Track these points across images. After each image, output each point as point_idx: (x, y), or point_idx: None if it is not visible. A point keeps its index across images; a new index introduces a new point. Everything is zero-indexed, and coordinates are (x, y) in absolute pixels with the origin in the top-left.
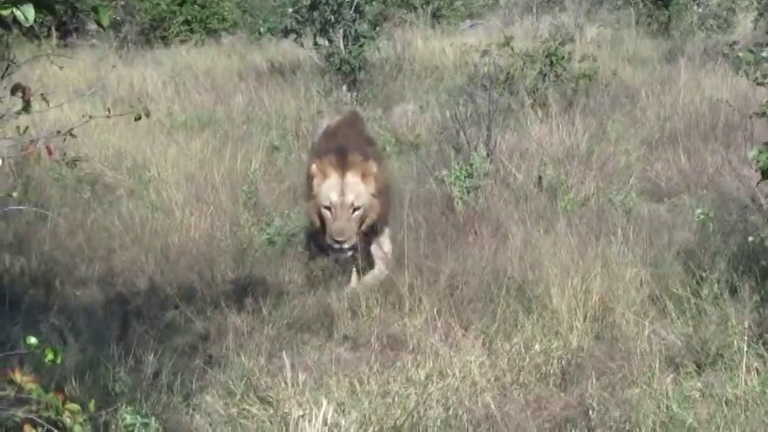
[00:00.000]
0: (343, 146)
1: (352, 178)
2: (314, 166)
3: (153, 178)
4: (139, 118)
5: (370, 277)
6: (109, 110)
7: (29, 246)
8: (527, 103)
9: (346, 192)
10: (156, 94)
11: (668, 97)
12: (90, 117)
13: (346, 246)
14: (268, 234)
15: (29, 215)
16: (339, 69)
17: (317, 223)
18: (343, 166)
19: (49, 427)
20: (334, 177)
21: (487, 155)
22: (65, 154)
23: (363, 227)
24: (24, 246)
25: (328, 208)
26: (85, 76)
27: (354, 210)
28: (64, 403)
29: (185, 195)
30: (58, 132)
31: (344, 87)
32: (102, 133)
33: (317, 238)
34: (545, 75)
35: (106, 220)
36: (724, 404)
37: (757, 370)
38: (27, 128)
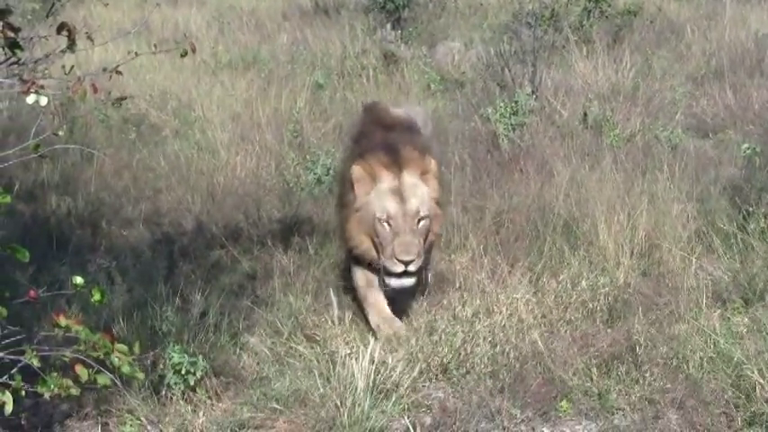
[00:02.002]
0: (393, 141)
1: (411, 179)
2: (356, 169)
3: (198, 118)
4: (185, 54)
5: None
6: (155, 46)
7: (75, 186)
8: (572, 39)
9: (408, 196)
10: (200, 35)
11: (714, 33)
12: (136, 54)
13: (413, 268)
14: (315, 173)
15: (75, 155)
16: (383, 8)
17: (364, 245)
18: (397, 164)
19: (99, 366)
20: (387, 180)
21: (532, 92)
22: (110, 93)
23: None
24: (71, 186)
25: (385, 221)
26: (130, 16)
27: (420, 220)
28: (112, 344)
29: (231, 135)
30: (104, 70)
31: (389, 26)
32: (147, 74)
33: (365, 265)
34: (590, 11)
35: (152, 160)
36: None
37: None
38: (72, 67)
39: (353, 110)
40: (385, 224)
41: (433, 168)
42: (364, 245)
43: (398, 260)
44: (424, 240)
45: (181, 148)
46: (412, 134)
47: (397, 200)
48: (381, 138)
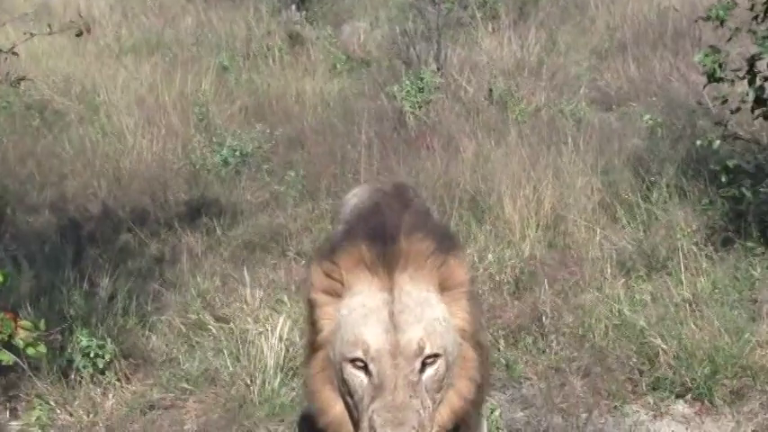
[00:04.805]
0: (387, 223)
1: (413, 288)
2: (315, 275)
3: (103, 103)
4: (80, 34)
5: None
6: (50, 26)
7: None
8: (477, 16)
9: (403, 320)
10: (103, 19)
11: (617, 7)
12: (32, 35)
13: None
14: (221, 155)
15: None
16: None
17: (334, 409)
18: (388, 261)
19: (2, 348)
20: (366, 290)
21: (438, 69)
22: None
23: (443, 407)
24: None
25: (361, 362)
26: (31, 1)
27: (425, 361)
28: (15, 323)
29: (136, 119)
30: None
31: (294, 6)
32: (49, 59)
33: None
34: None
35: (57, 146)
36: (673, 306)
37: (706, 271)
38: None
39: (260, 91)
40: (359, 371)
41: (461, 279)
42: (334, 409)
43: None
44: (436, 401)
45: (86, 133)
46: (445, 236)
47: (381, 325)
48: (384, 218)
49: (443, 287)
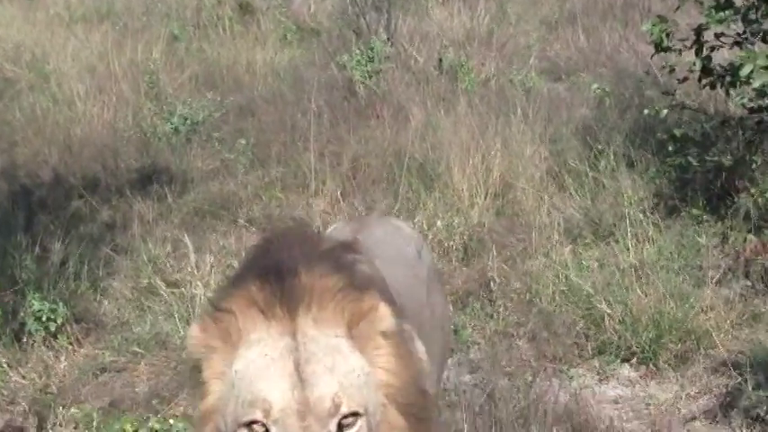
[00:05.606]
0: (283, 258)
1: (320, 333)
2: (195, 331)
3: (54, 71)
4: None
5: None
6: None
7: None
8: None
9: (311, 372)
10: None
11: None
12: None
13: None
14: (171, 123)
15: None
16: None
17: None
18: (288, 300)
19: None
20: (264, 338)
21: (388, 39)
22: None
23: None
24: None
25: (261, 427)
26: None
27: (342, 422)
28: None
29: (87, 87)
30: None
31: None
32: None
33: None
34: None
35: (7, 113)
36: (619, 272)
37: (652, 238)
38: None
39: (210, 60)
40: None
41: (383, 318)
42: None
43: None
44: None
45: (36, 101)
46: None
47: (286, 379)
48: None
49: (358, 332)
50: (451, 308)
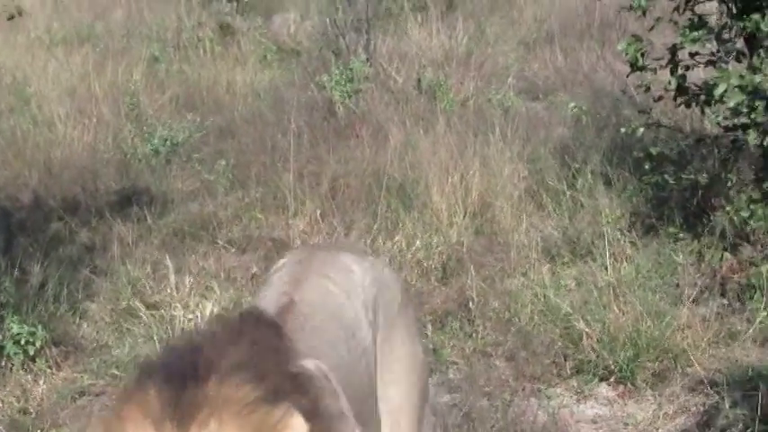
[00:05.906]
0: (201, 358)
1: None
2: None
3: (34, 94)
4: (12, 18)
5: None
6: None
7: None
8: (406, 7)
9: None
10: (33, 11)
11: None
12: None
13: None
14: (152, 144)
15: None
16: None
17: None
18: (182, 412)
19: None
20: None
21: (367, 59)
22: None
23: None
24: None
25: None
26: None
27: None
28: None
29: (67, 109)
30: None
31: None
32: None
33: None
34: None
35: None
36: (597, 290)
37: (629, 257)
38: None
39: (190, 81)
40: None
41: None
42: None
43: None
44: None
45: (16, 123)
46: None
47: None
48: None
49: None
50: (431, 327)
